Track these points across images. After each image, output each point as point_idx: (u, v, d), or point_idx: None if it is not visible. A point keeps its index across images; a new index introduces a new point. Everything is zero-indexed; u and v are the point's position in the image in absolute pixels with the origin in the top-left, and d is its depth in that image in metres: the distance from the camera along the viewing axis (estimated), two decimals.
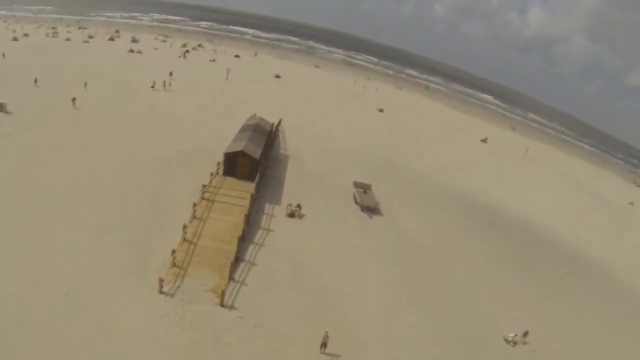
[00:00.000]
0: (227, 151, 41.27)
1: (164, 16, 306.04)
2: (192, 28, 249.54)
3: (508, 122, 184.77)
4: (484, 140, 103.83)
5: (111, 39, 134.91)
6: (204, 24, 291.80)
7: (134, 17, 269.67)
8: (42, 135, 45.59)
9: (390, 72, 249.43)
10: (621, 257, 55.61)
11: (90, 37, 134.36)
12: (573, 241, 57.33)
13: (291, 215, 37.80)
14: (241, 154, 40.43)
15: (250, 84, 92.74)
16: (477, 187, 62.35)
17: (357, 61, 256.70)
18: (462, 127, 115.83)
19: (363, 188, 46.47)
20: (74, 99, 58.00)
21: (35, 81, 66.39)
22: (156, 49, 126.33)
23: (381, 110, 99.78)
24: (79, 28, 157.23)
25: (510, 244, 49.48)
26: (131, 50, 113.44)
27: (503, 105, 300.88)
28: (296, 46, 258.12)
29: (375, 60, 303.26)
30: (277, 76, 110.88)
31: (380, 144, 68.61)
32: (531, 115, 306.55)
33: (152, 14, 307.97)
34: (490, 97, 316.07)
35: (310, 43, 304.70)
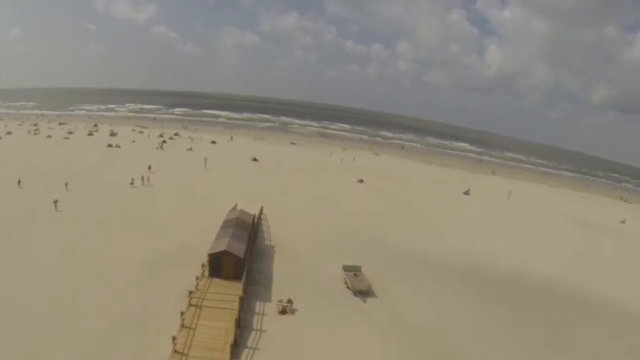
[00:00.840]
0: (210, 252, 39.74)
1: (139, 106, 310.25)
2: (167, 116, 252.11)
3: (487, 167, 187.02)
4: (467, 193, 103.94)
5: (90, 133, 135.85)
6: (178, 110, 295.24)
7: (111, 109, 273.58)
8: (24, 243, 44.63)
9: (364, 137, 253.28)
10: (629, 285, 55.91)
11: (70, 132, 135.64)
12: (579, 283, 55.44)
13: (283, 311, 35.95)
14: (225, 253, 39.01)
15: (228, 171, 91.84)
16: (469, 246, 61.53)
17: (331, 131, 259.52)
18: (442, 182, 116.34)
19: (353, 271, 44.71)
20: (55, 202, 57.44)
21: (19, 182, 66.54)
22: (134, 141, 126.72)
23: (361, 181, 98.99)
24: (60, 124, 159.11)
25: (515, 307, 46.60)
26: (110, 145, 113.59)
27: (479, 149, 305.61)
28: (270, 124, 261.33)
29: (349, 127, 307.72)
30: (255, 159, 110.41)
31: (364, 219, 67.31)
32: (508, 154, 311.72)
33: (128, 105, 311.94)
34: (466, 145, 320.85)
35: (283, 119, 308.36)
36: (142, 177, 77.17)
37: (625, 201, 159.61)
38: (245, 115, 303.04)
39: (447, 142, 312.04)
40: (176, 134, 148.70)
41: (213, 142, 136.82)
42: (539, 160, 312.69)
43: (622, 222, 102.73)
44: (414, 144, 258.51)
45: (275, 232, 56.45)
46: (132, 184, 73.46)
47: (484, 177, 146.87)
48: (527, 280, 54.20)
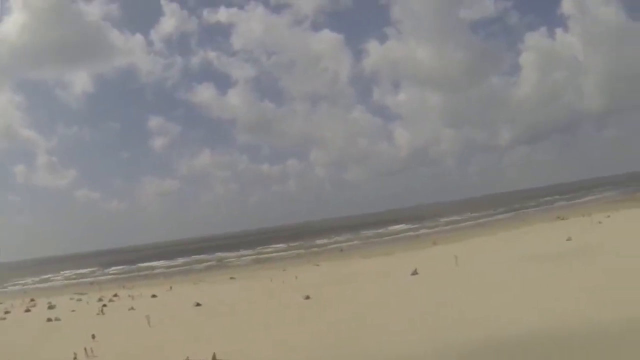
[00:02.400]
0: None
1: (74, 272, 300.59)
2: (104, 277, 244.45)
3: (427, 240, 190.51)
4: (415, 273, 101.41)
5: (27, 309, 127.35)
6: (114, 269, 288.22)
7: (46, 280, 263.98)
8: None
9: (301, 251, 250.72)
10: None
11: (7, 312, 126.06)
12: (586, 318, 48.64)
13: None
14: None
15: (173, 323, 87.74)
16: (427, 346, 54.15)
17: (267, 255, 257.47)
18: (388, 271, 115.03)
19: None
20: None
21: None
22: (73, 310, 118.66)
23: (307, 297, 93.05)
24: None
25: None
26: (49, 319, 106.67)
27: (415, 225, 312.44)
28: (207, 263, 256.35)
29: (284, 245, 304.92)
30: (198, 304, 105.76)
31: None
32: (443, 220, 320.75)
33: (62, 272, 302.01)
34: (401, 225, 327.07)
35: (219, 254, 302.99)
36: (86, 349, 72.76)
37: (562, 219, 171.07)
38: (180, 260, 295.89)
39: (382, 230, 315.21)
40: (115, 295, 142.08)
41: (154, 295, 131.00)
42: (474, 214, 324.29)
43: (569, 239, 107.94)
44: (351, 243, 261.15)
45: None
46: (75, 359, 70.10)
47: (426, 251, 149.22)
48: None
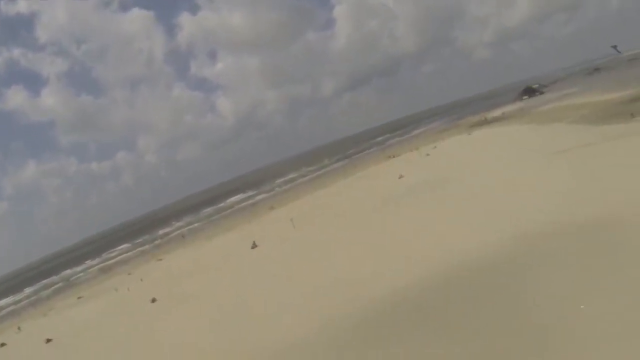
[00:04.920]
0: None
1: None
2: None
3: (265, 204, 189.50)
4: (254, 246, 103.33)
5: None
6: None
7: None
8: None
9: (146, 247, 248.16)
10: None
11: None
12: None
13: None
14: None
15: None
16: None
17: (113, 259, 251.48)
18: (229, 250, 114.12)
19: None
20: None
21: None
22: None
23: (154, 301, 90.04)
24: None
25: None
26: None
27: (252, 192, 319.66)
28: (55, 286, 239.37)
29: (129, 245, 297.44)
30: (49, 340, 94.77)
31: None
32: (279, 180, 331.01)
33: None
34: (240, 195, 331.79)
35: (66, 272, 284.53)
36: None
37: (393, 157, 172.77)
38: (28, 290, 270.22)
39: (222, 204, 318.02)
40: None
41: (2, 344, 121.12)
42: (310, 168, 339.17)
43: (401, 177, 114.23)
44: (192, 226, 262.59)
45: None
46: None
47: (265, 219, 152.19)
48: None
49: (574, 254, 38.05)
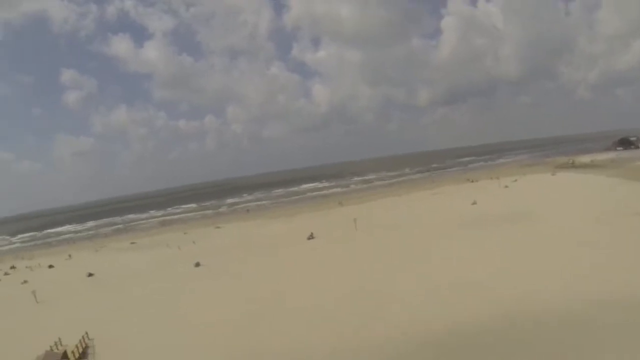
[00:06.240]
0: None
1: None
2: (7, 247, 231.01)
3: (335, 199, 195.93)
4: (310, 237, 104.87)
5: None
6: (21, 237, 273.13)
7: None
8: None
9: (209, 212, 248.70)
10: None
11: None
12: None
13: None
14: None
15: (57, 301, 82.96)
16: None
17: (175, 216, 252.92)
18: (285, 235, 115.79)
19: None
20: None
21: None
22: None
23: (197, 265, 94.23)
24: None
25: None
26: None
27: (327, 184, 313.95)
28: (116, 226, 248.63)
29: (195, 205, 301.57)
30: (90, 275, 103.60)
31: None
32: (357, 179, 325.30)
33: None
34: (315, 184, 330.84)
35: (130, 216, 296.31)
36: None
37: (472, 182, 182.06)
38: (90, 223, 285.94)
39: (295, 189, 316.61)
40: (12, 267, 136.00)
41: (51, 266, 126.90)
42: (390, 174, 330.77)
43: (474, 203, 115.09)
44: (260, 202, 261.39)
45: None
46: None
47: (331, 213, 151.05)
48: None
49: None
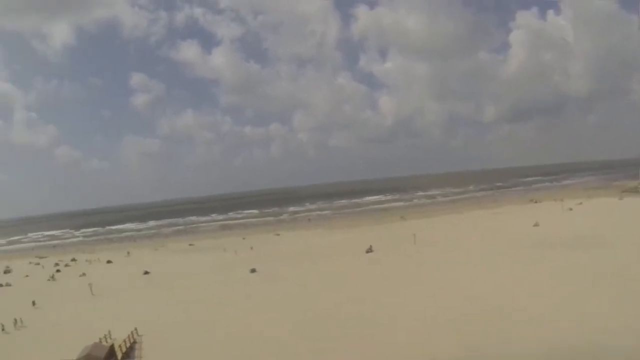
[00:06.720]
0: None
1: (43, 233, 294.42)
2: (71, 240, 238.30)
3: (397, 213, 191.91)
4: (369, 250, 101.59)
5: None
6: (84, 231, 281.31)
7: (13, 242, 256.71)
8: None
9: (270, 218, 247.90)
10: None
11: None
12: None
13: None
14: None
15: (112, 295, 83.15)
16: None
17: (237, 221, 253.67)
18: (344, 248, 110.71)
19: None
20: None
21: None
22: (27, 276, 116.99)
23: (253, 271, 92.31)
24: None
25: None
26: None
27: (390, 197, 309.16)
28: (176, 227, 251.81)
29: (256, 211, 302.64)
30: (146, 272, 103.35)
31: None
32: (420, 194, 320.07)
33: (29, 234, 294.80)
34: (378, 197, 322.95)
35: (191, 218, 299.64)
36: (15, 320, 67.25)
37: (535, 202, 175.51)
38: (151, 223, 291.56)
39: (358, 200, 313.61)
40: (73, 260, 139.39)
41: (109, 261, 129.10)
42: (454, 190, 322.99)
43: (536, 225, 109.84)
44: (321, 212, 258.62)
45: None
46: (2, 330, 64.77)
47: (392, 227, 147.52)
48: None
49: None
